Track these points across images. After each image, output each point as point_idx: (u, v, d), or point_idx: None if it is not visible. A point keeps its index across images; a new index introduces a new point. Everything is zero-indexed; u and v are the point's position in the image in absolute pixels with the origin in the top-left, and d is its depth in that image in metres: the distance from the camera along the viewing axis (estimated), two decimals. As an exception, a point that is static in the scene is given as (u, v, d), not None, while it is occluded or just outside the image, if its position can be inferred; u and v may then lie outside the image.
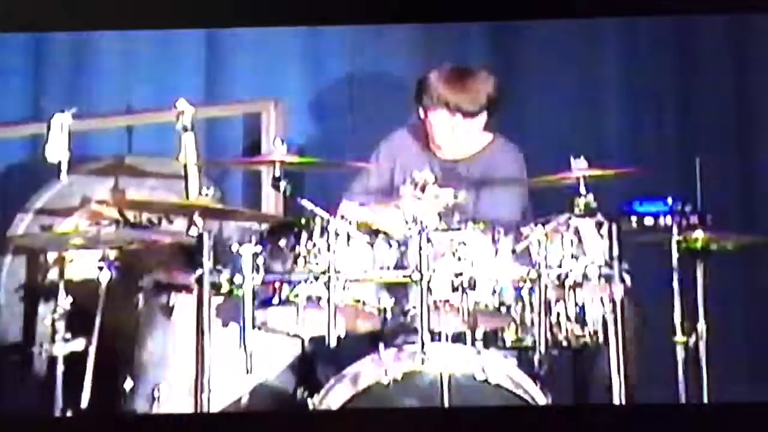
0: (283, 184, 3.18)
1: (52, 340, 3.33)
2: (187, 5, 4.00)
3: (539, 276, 3.12)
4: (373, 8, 3.92)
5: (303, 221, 3.15)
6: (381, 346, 3.16)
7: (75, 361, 3.35)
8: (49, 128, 3.83)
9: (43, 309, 3.46)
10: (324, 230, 3.12)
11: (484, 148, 3.66)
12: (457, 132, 3.59)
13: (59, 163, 3.80)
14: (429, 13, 4.03)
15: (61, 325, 3.34)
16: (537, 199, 3.60)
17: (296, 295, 3.11)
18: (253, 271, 3.11)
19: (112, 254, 3.39)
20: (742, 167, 4.20)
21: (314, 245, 3.12)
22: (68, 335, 3.34)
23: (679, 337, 3.35)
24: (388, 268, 3.15)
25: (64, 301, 3.35)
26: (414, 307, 3.12)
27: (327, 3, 4.04)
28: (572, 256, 3.13)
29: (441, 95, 3.55)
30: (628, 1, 3.86)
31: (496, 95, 3.59)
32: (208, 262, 3.11)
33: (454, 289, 3.09)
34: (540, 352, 3.14)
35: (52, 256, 3.68)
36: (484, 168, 3.63)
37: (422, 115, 3.63)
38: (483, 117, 3.60)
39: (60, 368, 3.32)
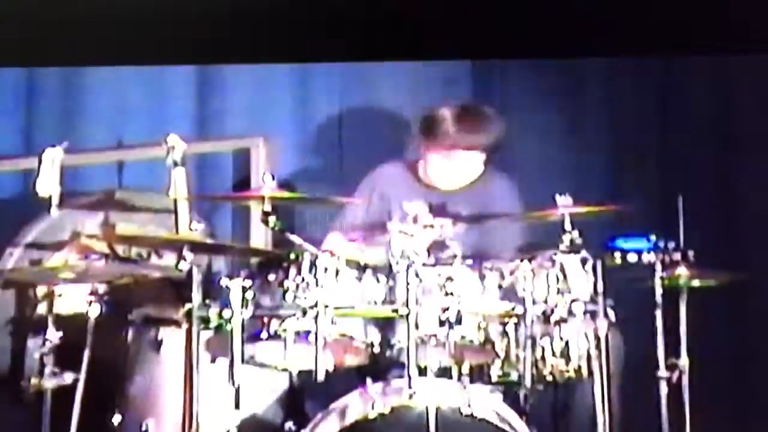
0: (272, 219, 3.20)
1: (41, 374, 3.33)
2: (178, 41, 4.05)
3: (525, 311, 3.16)
4: (362, 46, 3.98)
5: (292, 256, 3.17)
6: (368, 380, 3.18)
7: (63, 395, 3.35)
8: (40, 162, 3.85)
9: (32, 343, 3.46)
10: (312, 265, 3.15)
11: (478, 181, 3.70)
12: (458, 168, 3.63)
13: (50, 197, 3.81)
14: (417, 52, 4.09)
15: (49, 359, 3.34)
16: (524, 235, 3.65)
17: (285, 330, 3.12)
18: (241, 306, 3.13)
19: (102, 288, 3.40)
20: (724, 205, 4.26)
21: (303, 280, 3.14)
22: (57, 369, 3.34)
23: (662, 373, 3.38)
24: (376, 302, 3.18)
25: (53, 335, 3.35)
26: (401, 342, 3.15)
27: (317, 40, 4.10)
28: (557, 292, 3.16)
29: (452, 132, 3.58)
30: (611, 43, 3.93)
31: (502, 135, 3.64)
32: (197, 296, 3.12)
33: (441, 324, 3.12)
34: (525, 386, 3.16)
35: (41, 290, 3.68)
36: (478, 200, 3.67)
37: (423, 149, 3.66)
38: (484, 155, 3.65)
39: (48, 402, 3.32)
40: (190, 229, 3.26)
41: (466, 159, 3.62)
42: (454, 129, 3.58)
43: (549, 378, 3.22)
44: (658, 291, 3.36)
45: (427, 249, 3.19)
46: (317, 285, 3.12)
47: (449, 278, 3.14)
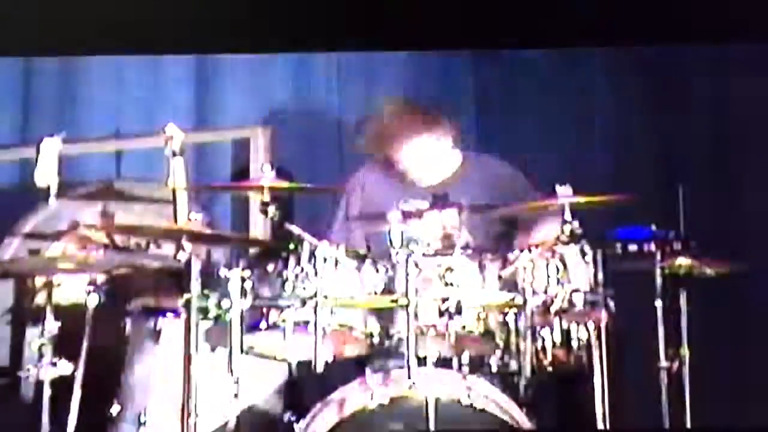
0: (271, 209, 3.20)
1: (40, 365, 3.33)
2: (177, 30, 4.04)
3: (525, 302, 3.15)
4: (362, 35, 3.96)
5: (291, 246, 3.17)
6: (368, 370, 3.18)
7: (62, 385, 3.35)
8: (38, 152, 3.85)
9: (31, 333, 3.46)
10: (311, 255, 3.14)
11: (460, 168, 3.69)
12: (426, 159, 3.63)
13: (48, 187, 3.81)
14: (416, 41, 4.07)
15: (48, 350, 3.34)
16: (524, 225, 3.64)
17: (284, 320, 3.12)
18: (240, 296, 3.13)
19: (100, 278, 3.40)
20: (725, 195, 4.25)
21: (302, 270, 3.14)
22: (55, 359, 3.34)
23: (663, 362, 3.38)
24: (376, 292, 3.18)
25: (52, 325, 3.35)
26: (401, 332, 3.15)
27: (315, 29, 4.08)
28: (557, 282, 3.16)
29: (396, 132, 3.58)
30: (612, 32, 3.92)
31: (444, 118, 3.63)
32: (196, 286, 3.12)
33: (441, 314, 3.12)
34: (525, 377, 3.16)
35: (40, 280, 3.68)
36: (468, 186, 3.67)
37: (388, 157, 3.66)
38: (445, 139, 3.63)
39: (47, 392, 3.32)
40: (189, 219, 3.25)
41: (429, 148, 3.60)
42: (391, 125, 3.57)
43: (549, 368, 3.21)
44: (659, 281, 3.35)
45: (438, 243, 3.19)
46: (316, 275, 3.12)
47: (449, 268, 3.14)
